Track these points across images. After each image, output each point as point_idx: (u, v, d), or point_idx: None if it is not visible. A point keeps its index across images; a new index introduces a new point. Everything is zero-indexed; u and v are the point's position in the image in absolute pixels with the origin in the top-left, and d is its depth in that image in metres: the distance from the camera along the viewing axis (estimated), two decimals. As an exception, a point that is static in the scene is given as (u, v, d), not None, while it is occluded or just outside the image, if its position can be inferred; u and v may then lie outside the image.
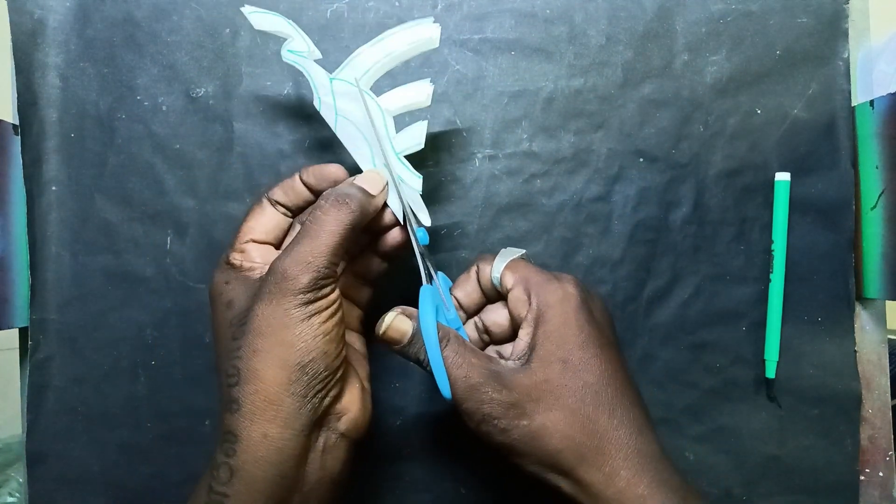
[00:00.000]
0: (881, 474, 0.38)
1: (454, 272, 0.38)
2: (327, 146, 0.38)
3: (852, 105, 0.38)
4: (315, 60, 0.33)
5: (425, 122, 0.32)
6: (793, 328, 0.38)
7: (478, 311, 0.34)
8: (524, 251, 0.33)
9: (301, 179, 0.32)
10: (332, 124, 0.32)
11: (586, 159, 0.39)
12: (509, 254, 0.33)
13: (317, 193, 0.32)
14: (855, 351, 0.38)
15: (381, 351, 0.38)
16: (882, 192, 0.37)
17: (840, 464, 0.38)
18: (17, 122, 0.37)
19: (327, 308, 0.28)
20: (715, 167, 0.38)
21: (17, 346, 0.39)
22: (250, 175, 0.38)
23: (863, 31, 0.39)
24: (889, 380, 0.39)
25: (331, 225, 0.28)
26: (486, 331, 0.34)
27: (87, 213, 0.38)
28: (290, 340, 0.27)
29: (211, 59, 0.38)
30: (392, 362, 0.38)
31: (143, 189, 0.38)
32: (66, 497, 0.37)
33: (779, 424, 0.38)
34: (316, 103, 0.32)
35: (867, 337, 0.39)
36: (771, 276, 0.38)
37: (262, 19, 0.32)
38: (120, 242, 0.38)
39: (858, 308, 0.39)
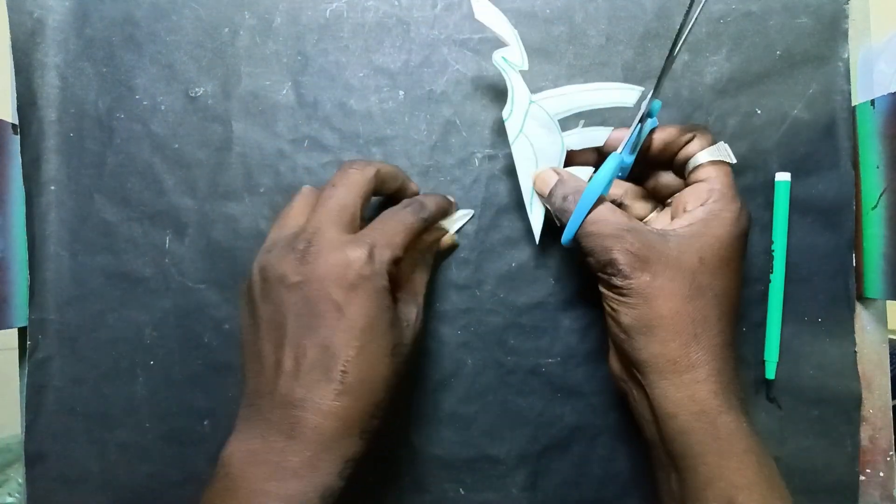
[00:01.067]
0: (882, 475, 0.38)
1: (454, 272, 0.38)
2: (327, 146, 0.38)
3: (853, 105, 0.38)
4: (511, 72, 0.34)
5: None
6: (793, 329, 0.38)
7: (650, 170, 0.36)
8: (734, 161, 0.33)
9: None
10: (511, 138, 0.34)
11: (586, 159, 0.39)
12: (722, 153, 0.33)
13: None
14: (855, 351, 0.38)
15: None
16: (883, 192, 0.37)
17: (840, 464, 0.38)
18: (16, 122, 0.37)
19: (386, 284, 0.30)
20: (715, 167, 0.38)
21: (17, 346, 0.39)
22: (249, 175, 0.38)
23: (863, 31, 0.39)
24: (890, 380, 0.39)
25: (401, 222, 0.32)
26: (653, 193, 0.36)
27: (86, 213, 0.38)
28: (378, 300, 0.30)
29: (210, 58, 0.38)
30: (391, 362, 0.38)
31: (142, 189, 0.38)
32: (66, 497, 0.37)
33: (779, 425, 0.38)
34: (505, 114, 0.34)
35: (868, 337, 0.39)
36: (771, 276, 0.38)
37: (487, 11, 0.33)
38: (119, 242, 0.38)
39: (859, 308, 0.39)
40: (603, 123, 0.35)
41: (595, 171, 0.33)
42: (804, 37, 0.38)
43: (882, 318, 0.39)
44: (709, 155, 0.33)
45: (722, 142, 0.33)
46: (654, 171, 0.35)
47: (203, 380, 0.38)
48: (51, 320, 0.37)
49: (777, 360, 0.38)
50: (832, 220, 0.38)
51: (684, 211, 0.32)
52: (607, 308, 0.31)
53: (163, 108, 0.38)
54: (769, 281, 0.38)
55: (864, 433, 0.38)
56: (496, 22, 0.33)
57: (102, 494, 0.37)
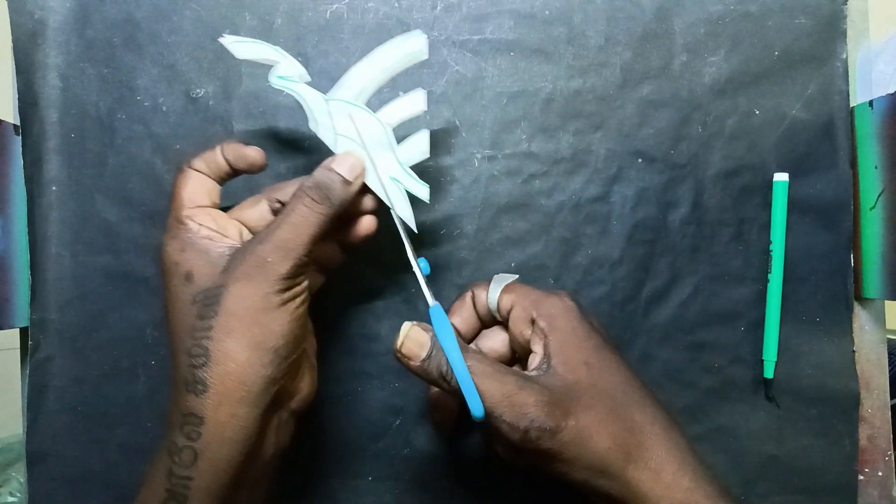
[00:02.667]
0: (880, 474, 0.38)
1: (454, 273, 0.38)
2: (326, 147, 0.38)
3: (851, 105, 0.38)
4: (306, 82, 0.32)
5: (427, 132, 0.32)
6: (791, 328, 0.38)
7: (473, 337, 0.35)
8: (517, 276, 0.34)
9: (223, 155, 0.32)
10: (331, 145, 0.32)
11: (585, 160, 0.39)
12: (504, 279, 0.33)
13: (236, 171, 0.32)
14: (853, 351, 0.38)
15: (381, 350, 0.38)
16: (881, 193, 0.37)
17: (839, 464, 0.38)
18: (17, 123, 0.38)
19: (300, 294, 0.29)
20: (713, 168, 0.39)
21: (18, 345, 0.39)
22: (250, 175, 0.38)
23: (861, 31, 0.39)
24: (888, 380, 0.39)
25: (312, 216, 0.29)
26: (464, 342, 0.34)
27: (87, 213, 0.38)
28: (266, 324, 0.27)
29: (211, 59, 0.38)
30: (392, 362, 0.38)
31: (143, 189, 0.38)
32: (67, 497, 0.38)
33: (777, 424, 0.38)
34: (312, 126, 0.32)
35: (866, 337, 0.39)
36: (769, 276, 0.38)
37: (244, 48, 0.32)
38: (120, 242, 0.38)
39: (857, 308, 0.39)
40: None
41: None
42: (802, 37, 0.39)
43: (880, 318, 0.39)
44: (496, 289, 0.33)
45: (497, 275, 0.34)
46: (483, 332, 0.35)
47: (203, 379, 0.38)
48: (52, 320, 0.38)
49: (775, 359, 0.38)
50: (830, 221, 0.38)
51: (529, 345, 0.31)
52: (558, 476, 0.29)
53: (164, 108, 0.38)
54: (767, 281, 0.38)
55: (863, 432, 0.38)
56: (256, 51, 0.32)
57: (103, 494, 0.38)
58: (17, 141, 0.37)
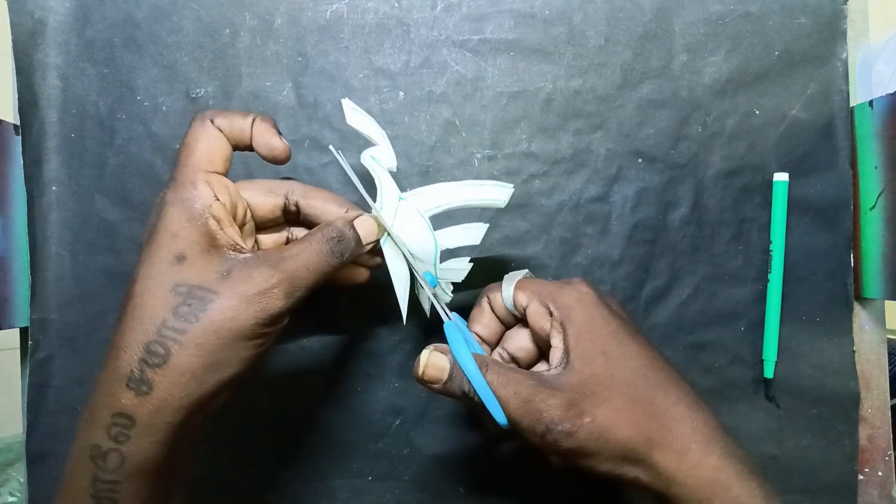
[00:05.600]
0: (880, 474, 0.38)
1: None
2: (326, 147, 0.38)
3: (851, 105, 0.38)
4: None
5: (468, 260, 0.34)
6: (791, 328, 0.38)
7: (499, 341, 0.34)
8: (527, 270, 0.34)
9: (251, 128, 0.29)
10: (381, 238, 0.32)
11: (585, 160, 0.39)
12: (514, 276, 0.33)
13: (251, 148, 0.30)
14: (853, 351, 0.38)
15: (381, 350, 0.38)
16: (881, 192, 0.37)
17: (839, 463, 0.38)
18: (17, 123, 0.38)
19: (278, 331, 0.28)
20: (713, 167, 0.39)
21: (18, 345, 0.39)
22: (250, 175, 0.38)
23: (861, 31, 0.39)
24: (888, 379, 0.39)
25: (325, 264, 0.29)
26: (513, 359, 0.33)
27: (87, 213, 0.38)
28: (239, 349, 0.26)
29: (211, 59, 0.38)
30: (391, 362, 0.38)
31: (143, 189, 0.38)
32: (67, 496, 0.38)
33: (777, 424, 0.38)
34: (374, 212, 0.32)
35: (866, 337, 0.39)
36: (769, 276, 0.38)
37: (358, 118, 0.32)
38: (120, 242, 0.38)
39: (857, 308, 0.39)
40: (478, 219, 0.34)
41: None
42: (803, 37, 0.39)
43: (880, 318, 0.39)
44: (509, 287, 0.32)
45: (507, 273, 0.34)
46: (507, 334, 0.35)
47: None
48: (52, 320, 0.38)
49: (775, 359, 0.38)
50: (830, 220, 0.38)
51: (549, 330, 0.31)
52: (587, 470, 0.28)
53: (164, 108, 0.38)
54: (767, 280, 0.38)
55: (863, 432, 0.38)
56: (366, 125, 0.32)
57: (103, 494, 0.38)
58: (17, 141, 0.37)
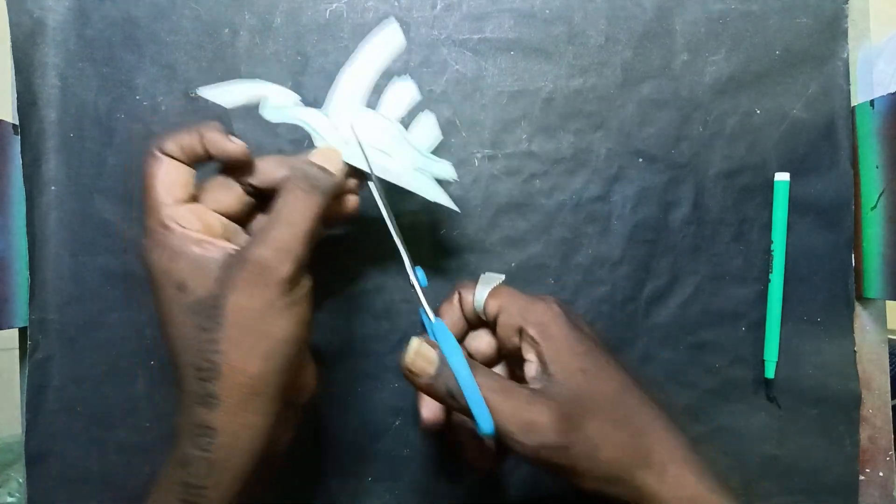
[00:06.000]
0: (881, 474, 0.38)
1: (454, 273, 0.38)
2: (327, 146, 0.38)
3: (852, 105, 0.38)
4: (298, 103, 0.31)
5: (431, 113, 0.32)
6: (792, 328, 0.38)
7: (462, 338, 0.34)
8: (503, 276, 0.33)
9: (201, 143, 0.29)
10: (359, 162, 0.31)
11: (585, 159, 0.39)
12: (491, 280, 0.33)
13: (211, 158, 0.30)
14: (855, 351, 0.38)
15: (381, 350, 0.38)
16: (882, 192, 0.37)
17: (840, 464, 0.38)
18: (16, 122, 0.37)
19: (304, 295, 0.28)
20: (714, 167, 0.38)
21: (17, 345, 0.39)
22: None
23: (863, 30, 0.39)
24: (889, 380, 0.39)
25: (306, 211, 0.28)
26: (469, 357, 0.33)
27: (86, 213, 0.38)
28: (273, 332, 0.26)
29: (210, 58, 0.38)
30: (391, 362, 0.38)
31: (142, 189, 0.38)
32: (66, 497, 0.37)
33: (778, 424, 0.38)
34: (319, 144, 0.31)
35: (867, 337, 0.39)
36: (770, 276, 0.38)
37: (224, 94, 0.30)
38: (119, 242, 0.38)
39: (858, 308, 0.39)
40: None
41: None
42: (803, 36, 0.38)
43: (881, 318, 0.39)
44: (483, 291, 0.32)
45: (483, 274, 0.33)
46: (470, 333, 0.34)
47: (203, 380, 0.38)
48: (51, 320, 0.37)
49: (776, 359, 0.38)
50: (831, 220, 0.38)
51: (520, 352, 0.30)
52: (573, 486, 0.28)
53: (163, 108, 0.38)
54: (768, 281, 0.38)
55: (864, 433, 0.38)
56: (238, 92, 0.31)
57: (102, 494, 0.37)
58: (16, 140, 0.37)
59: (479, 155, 0.39)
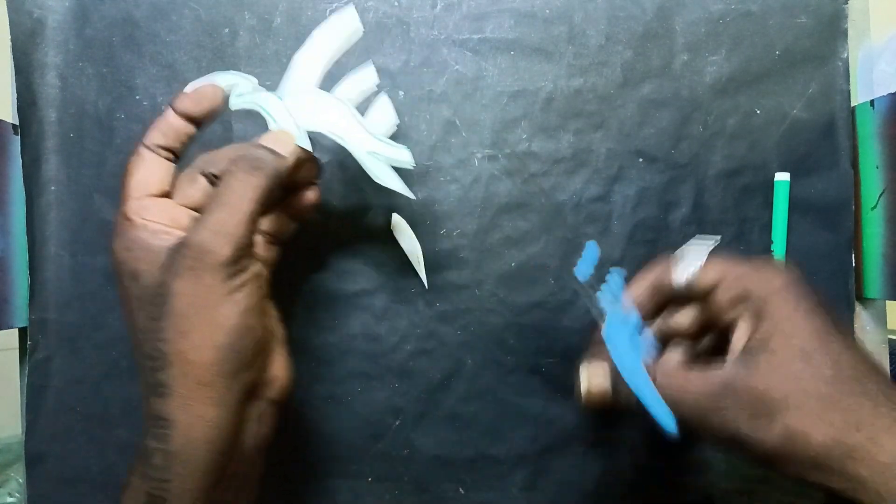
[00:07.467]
0: (881, 475, 0.38)
1: (454, 273, 0.38)
2: (327, 146, 0.38)
3: (852, 105, 0.38)
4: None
5: (385, 96, 0.32)
6: (792, 328, 0.38)
7: (652, 315, 0.32)
8: (716, 240, 0.30)
9: (176, 111, 0.29)
10: (304, 142, 0.31)
11: (586, 159, 0.39)
12: (699, 249, 0.29)
13: (197, 121, 0.29)
14: (855, 351, 0.38)
15: (381, 351, 0.38)
16: (882, 192, 0.37)
17: (840, 464, 0.38)
18: (16, 122, 0.37)
19: (250, 280, 0.27)
20: (714, 167, 0.38)
21: (17, 346, 0.39)
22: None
23: (863, 30, 0.39)
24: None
25: (246, 192, 0.27)
26: (662, 338, 0.31)
27: (86, 213, 0.38)
28: (216, 320, 0.26)
29: (210, 58, 0.38)
30: (391, 362, 0.38)
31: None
32: (66, 497, 0.37)
33: (778, 425, 0.38)
34: (272, 127, 0.30)
35: (867, 337, 0.39)
36: (771, 276, 0.38)
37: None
38: (119, 242, 0.38)
39: (858, 308, 0.39)
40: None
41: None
42: (804, 37, 0.38)
43: (881, 318, 0.39)
44: (694, 262, 0.29)
45: (689, 244, 0.31)
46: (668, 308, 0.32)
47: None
48: (51, 320, 0.37)
49: (777, 359, 0.38)
50: (831, 221, 0.38)
51: (736, 319, 0.28)
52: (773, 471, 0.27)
53: (163, 108, 0.38)
54: (769, 281, 0.38)
55: (864, 433, 0.38)
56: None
57: (102, 494, 0.37)
58: (16, 140, 0.37)
59: (479, 155, 0.39)
